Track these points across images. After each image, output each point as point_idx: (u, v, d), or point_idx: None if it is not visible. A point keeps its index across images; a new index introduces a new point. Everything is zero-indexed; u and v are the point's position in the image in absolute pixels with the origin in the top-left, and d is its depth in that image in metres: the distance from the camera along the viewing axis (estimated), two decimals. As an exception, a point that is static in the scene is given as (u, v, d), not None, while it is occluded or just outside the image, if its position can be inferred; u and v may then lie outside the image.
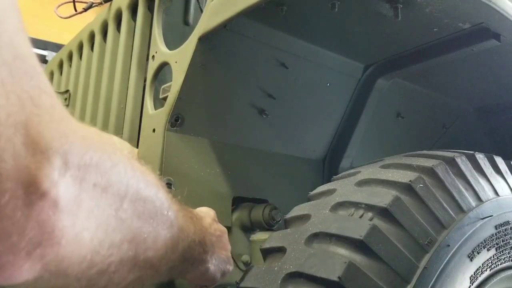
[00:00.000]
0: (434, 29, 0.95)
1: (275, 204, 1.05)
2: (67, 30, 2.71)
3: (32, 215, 0.36)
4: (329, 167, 1.23)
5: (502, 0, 0.83)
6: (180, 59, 0.97)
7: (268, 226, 1.03)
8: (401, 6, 0.85)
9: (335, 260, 0.64)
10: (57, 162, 0.38)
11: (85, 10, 1.47)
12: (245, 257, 1.03)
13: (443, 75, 1.18)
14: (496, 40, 0.91)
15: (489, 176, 0.82)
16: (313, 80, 1.12)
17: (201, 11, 1.22)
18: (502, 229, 0.78)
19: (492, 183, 0.82)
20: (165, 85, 1.04)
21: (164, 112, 0.98)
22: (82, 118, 1.42)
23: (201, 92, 0.98)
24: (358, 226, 0.67)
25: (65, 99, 1.59)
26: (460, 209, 0.74)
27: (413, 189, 0.72)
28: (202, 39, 0.92)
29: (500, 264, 0.78)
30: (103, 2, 1.37)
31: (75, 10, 1.50)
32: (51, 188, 0.37)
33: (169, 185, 0.95)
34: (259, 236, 1.04)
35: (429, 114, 1.34)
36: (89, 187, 0.42)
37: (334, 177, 0.88)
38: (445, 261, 0.68)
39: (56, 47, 4.19)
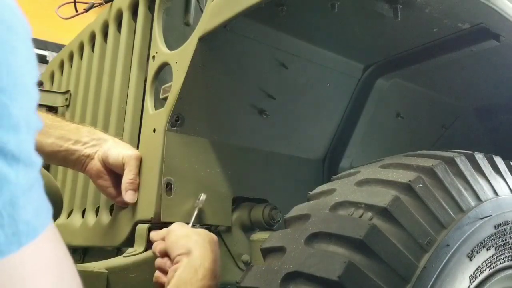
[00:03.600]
0: (434, 29, 0.95)
1: (275, 204, 1.05)
2: (68, 31, 2.72)
3: None
4: (329, 167, 1.24)
5: (501, 0, 0.83)
6: (180, 59, 0.98)
7: (268, 226, 1.03)
8: (401, 6, 0.85)
9: (334, 260, 0.65)
10: None
11: (86, 10, 1.47)
12: (245, 257, 1.03)
13: (443, 75, 1.18)
14: (495, 41, 0.91)
15: (488, 176, 0.82)
16: (313, 80, 1.12)
17: (201, 11, 1.22)
18: (502, 229, 0.78)
19: (492, 183, 0.82)
20: (165, 85, 1.05)
21: (164, 112, 0.98)
22: (82, 118, 1.42)
23: (201, 92, 0.99)
24: (357, 226, 0.67)
25: (66, 99, 1.60)
26: (459, 209, 0.74)
27: (413, 189, 0.72)
28: (202, 40, 0.92)
29: (500, 263, 0.78)
30: (104, 3, 1.38)
31: (76, 10, 1.50)
32: None
33: (169, 185, 0.96)
34: (259, 236, 1.04)
35: (429, 114, 1.34)
36: None
37: (334, 177, 0.88)
38: (444, 261, 0.68)
39: (56, 47, 4.19)
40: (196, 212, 0.95)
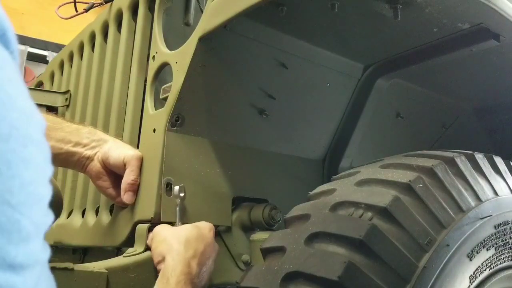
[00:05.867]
0: (434, 30, 0.95)
1: (275, 204, 1.05)
2: (68, 31, 2.72)
3: None
4: (329, 167, 1.24)
5: (501, 0, 0.83)
6: (180, 59, 0.98)
7: (268, 226, 1.03)
8: (401, 6, 0.85)
9: (334, 260, 0.65)
10: None
11: (86, 10, 1.48)
12: (245, 257, 1.03)
13: (443, 75, 1.18)
14: (495, 41, 0.91)
15: (488, 176, 0.82)
16: (313, 80, 1.12)
17: (201, 11, 1.22)
18: (502, 229, 0.78)
19: (492, 183, 0.82)
20: (165, 85, 1.05)
21: (164, 112, 0.99)
22: (82, 118, 1.42)
23: (201, 92, 0.99)
24: (357, 225, 0.67)
25: (66, 99, 1.60)
26: (459, 209, 0.74)
27: (413, 189, 0.72)
28: (202, 40, 0.92)
29: (500, 263, 0.78)
30: (104, 3, 1.38)
31: (76, 10, 1.50)
32: None
33: (169, 185, 0.96)
34: (259, 236, 1.04)
35: (428, 114, 1.34)
36: None
37: (334, 177, 0.88)
38: (444, 261, 0.68)
39: (56, 47, 4.20)
40: (177, 208, 0.93)
